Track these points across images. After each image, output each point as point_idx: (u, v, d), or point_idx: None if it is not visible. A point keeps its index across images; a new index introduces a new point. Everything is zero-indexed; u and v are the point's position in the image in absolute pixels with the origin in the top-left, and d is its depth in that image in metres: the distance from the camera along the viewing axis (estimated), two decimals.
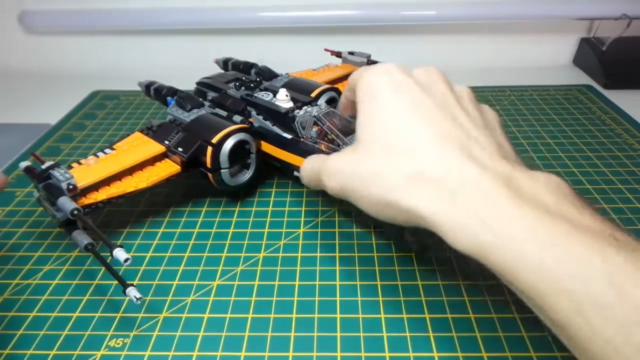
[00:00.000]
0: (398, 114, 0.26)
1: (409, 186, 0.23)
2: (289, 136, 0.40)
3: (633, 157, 0.49)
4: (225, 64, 0.57)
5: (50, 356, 0.30)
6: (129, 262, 0.29)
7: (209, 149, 0.38)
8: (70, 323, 0.32)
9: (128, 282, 0.29)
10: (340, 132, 0.36)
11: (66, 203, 0.32)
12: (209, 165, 0.39)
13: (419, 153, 0.24)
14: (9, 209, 0.44)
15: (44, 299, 0.34)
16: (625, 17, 0.68)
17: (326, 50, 0.60)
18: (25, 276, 0.36)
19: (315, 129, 0.38)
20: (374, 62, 0.57)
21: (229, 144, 0.39)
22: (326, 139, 0.37)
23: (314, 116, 0.38)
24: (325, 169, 0.29)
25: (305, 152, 0.38)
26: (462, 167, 0.23)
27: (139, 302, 0.28)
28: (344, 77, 0.56)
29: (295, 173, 0.39)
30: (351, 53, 0.58)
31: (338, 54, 0.60)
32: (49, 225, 0.41)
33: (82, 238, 0.32)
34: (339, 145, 0.36)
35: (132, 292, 0.29)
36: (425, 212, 0.23)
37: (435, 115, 0.25)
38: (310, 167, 0.31)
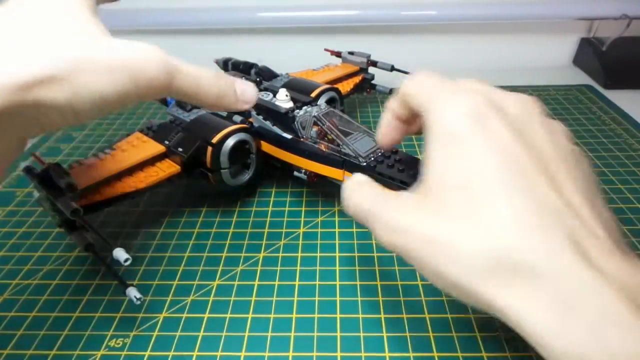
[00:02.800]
0: (486, 169, 0.19)
1: (496, 274, 0.18)
2: (289, 136, 0.40)
3: (633, 157, 0.49)
4: (225, 64, 0.57)
5: (50, 356, 0.30)
6: (129, 262, 0.29)
7: (209, 149, 0.38)
8: (70, 323, 0.32)
9: (128, 282, 0.29)
10: (341, 132, 0.36)
11: (66, 203, 0.32)
12: (209, 165, 0.39)
13: (513, 232, 0.18)
14: (9, 209, 0.44)
15: (44, 299, 0.34)
16: (625, 17, 0.68)
17: (326, 50, 0.60)
18: (25, 276, 0.36)
19: (315, 129, 0.38)
20: (374, 62, 0.57)
21: (229, 144, 0.39)
22: (326, 139, 0.37)
23: (314, 116, 0.38)
24: (380, 220, 0.22)
25: (305, 152, 0.38)
26: (578, 270, 0.17)
27: (139, 302, 0.28)
28: (344, 77, 0.56)
29: (296, 173, 0.39)
30: (351, 53, 0.58)
31: (338, 54, 0.60)
32: (49, 225, 0.41)
33: (82, 238, 0.32)
34: (338, 145, 0.36)
35: (132, 292, 0.29)
36: (522, 319, 0.18)
37: (533, 177, 0.19)
38: (359, 206, 0.24)
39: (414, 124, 0.27)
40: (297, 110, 0.40)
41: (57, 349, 0.30)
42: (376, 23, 0.74)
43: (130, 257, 0.29)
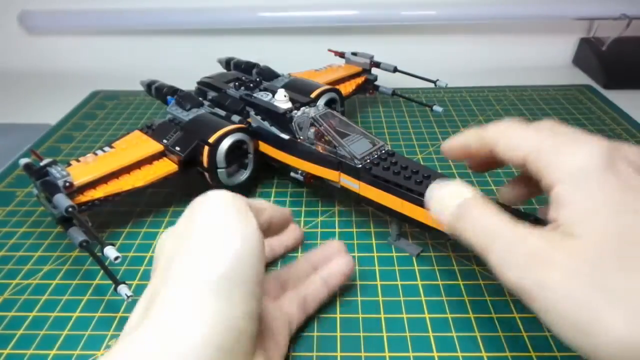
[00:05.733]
0: (634, 212, 0.20)
1: None
2: (286, 137, 0.39)
3: None
4: (227, 63, 0.57)
5: (50, 356, 0.30)
6: (119, 260, 0.29)
7: (206, 148, 0.38)
8: (70, 323, 0.32)
9: (120, 280, 0.29)
10: (337, 133, 0.36)
11: (62, 200, 0.33)
12: (205, 164, 0.39)
13: None
14: (9, 209, 0.44)
15: (44, 299, 0.34)
16: (624, 17, 0.68)
17: (329, 50, 0.60)
18: (25, 276, 0.36)
19: (312, 130, 0.38)
20: (377, 63, 0.57)
21: (225, 143, 0.39)
22: (323, 140, 0.37)
23: (312, 117, 0.38)
24: (519, 248, 0.21)
25: (302, 153, 0.38)
26: None
27: (130, 299, 0.29)
28: (347, 78, 0.56)
29: (292, 174, 0.39)
30: (354, 54, 0.58)
31: (341, 55, 0.60)
32: (49, 225, 0.41)
33: (77, 235, 0.32)
34: (335, 147, 0.35)
35: (123, 290, 0.29)
36: None
37: None
38: (480, 221, 0.23)
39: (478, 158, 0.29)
40: (295, 111, 0.40)
41: (57, 349, 0.30)
42: (376, 23, 0.74)
43: (120, 255, 0.29)
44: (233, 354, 0.19)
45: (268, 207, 0.26)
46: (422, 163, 0.48)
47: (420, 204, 0.31)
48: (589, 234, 0.20)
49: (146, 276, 0.35)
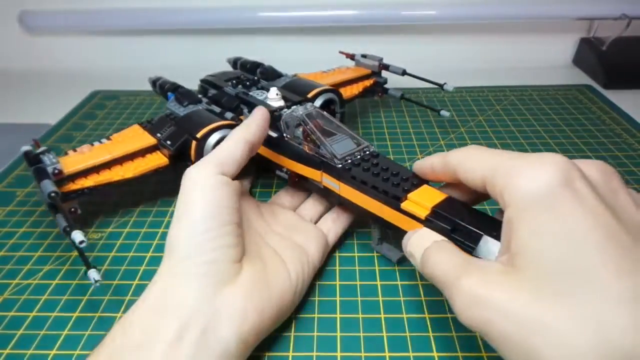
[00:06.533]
0: (586, 245, 0.19)
1: None
2: (274, 134, 0.39)
3: (633, 157, 0.49)
4: (235, 62, 0.58)
5: (50, 356, 0.30)
6: (83, 244, 0.30)
7: (194, 143, 0.39)
8: (71, 323, 0.32)
9: (92, 265, 0.29)
10: (323, 133, 0.36)
11: (47, 186, 0.33)
12: (193, 159, 0.39)
13: (627, 329, 0.17)
14: (9, 209, 0.44)
15: (44, 299, 0.34)
16: (624, 17, 0.68)
17: (341, 52, 0.60)
18: (25, 276, 0.36)
19: (300, 129, 0.38)
20: (386, 66, 0.56)
21: (213, 139, 0.39)
22: (309, 139, 0.37)
23: (298, 116, 0.38)
24: (460, 290, 0.22)
25: (290, 152, 0.37)
26: None
27: (97, 284, 0.28)
28: (354, 80, 0.55)
29: (278, 172, 0.39)
30: (364, 56, 0.58)
31: (351, 57, 0.59)
32: (49, 225, 0.41)
33: (62, 221, 0.32)
34: (319, 147, 0.35)
35: (92, 274, 0.29)
36: None
37: (633, 255, 0.18)
38: (438, 268, 0.24)
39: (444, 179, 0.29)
40: (285, 110, 0.40)
41: (57, 349, 0.30)
42: (376, 23, 0.74)
43: (85, 240, 0.30)
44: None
45: (240, 145, 0.31)
46: None
47: (396, 207, 0.30)
48: (528, 265, 0.20)
49: (145, 276, 0.35)
